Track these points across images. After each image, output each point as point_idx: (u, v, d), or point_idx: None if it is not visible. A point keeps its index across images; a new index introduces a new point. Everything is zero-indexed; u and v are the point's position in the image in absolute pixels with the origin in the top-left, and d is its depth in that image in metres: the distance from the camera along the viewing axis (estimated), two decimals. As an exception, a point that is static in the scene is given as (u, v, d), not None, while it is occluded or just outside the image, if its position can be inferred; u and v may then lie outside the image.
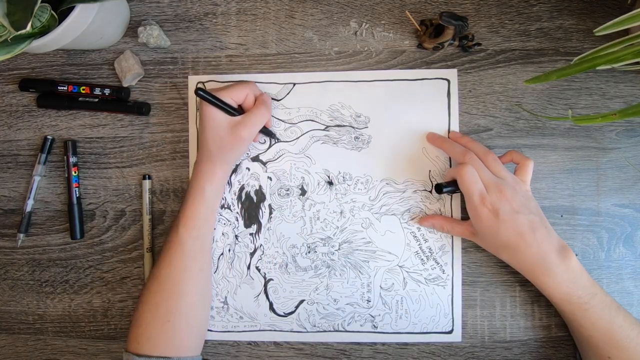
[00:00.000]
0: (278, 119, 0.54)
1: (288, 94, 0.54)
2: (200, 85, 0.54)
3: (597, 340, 0.45)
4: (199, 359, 0.50)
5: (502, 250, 0.48)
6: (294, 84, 0.54)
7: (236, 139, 0.48)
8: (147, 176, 0.54)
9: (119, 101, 0.54)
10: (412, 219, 0.53)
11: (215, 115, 0.47)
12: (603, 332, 0.45)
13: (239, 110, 0.49)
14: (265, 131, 0.52)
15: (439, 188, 0.49)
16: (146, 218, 0.54)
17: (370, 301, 0.53)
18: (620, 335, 0.45)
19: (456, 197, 0.53)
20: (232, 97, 0.48)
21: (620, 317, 0.45)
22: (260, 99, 0.50)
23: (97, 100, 0.54)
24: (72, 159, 0.54)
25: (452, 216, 0.53)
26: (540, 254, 0.45)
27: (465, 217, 0.52)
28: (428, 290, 0.53)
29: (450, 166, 0.53)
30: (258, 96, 0.51)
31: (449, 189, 0.49)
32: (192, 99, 0.54)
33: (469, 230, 0.49)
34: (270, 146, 0.54)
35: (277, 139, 0.54)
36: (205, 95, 0.46)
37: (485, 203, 0.46)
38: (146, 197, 0.54)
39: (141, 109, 0.53)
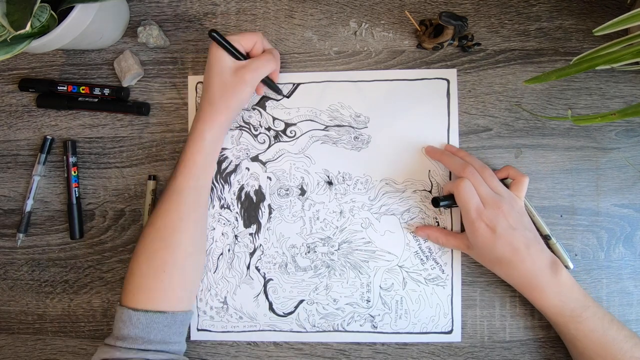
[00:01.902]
0: (277, 118, 0.54)
1: (288, 93, 0.54)
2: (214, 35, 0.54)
3: (591, 352, 0.46)
4: (191, 314, 0.50)
5: (496, 265, 0.48)
6: (294, 84, 0.54)
7: (239, 82, 0.48)
8: (152, 177, 0.54)
9: (119, 101, 0.54)
10: (408, 228, 0.53)
11: (222, 58, 0.47)
12: (597, 345, 0.45)
13: (246, 57, 0.49)
14: (270, 84, 0.52)
15: (435, 202, 0.50)
16: (147, 218, 0.54)
17: (369, 301, 0.53)
18: (614, 348, 0.45)
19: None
20: (241, 43, 0.48)
21: (614, 329, 0.45)
22: (269, 50, 0.51)
23: (96, 100, 0.54)
24: (72, 159, 0.54)
25: (451, 219, 0.53)
26: (533, 269, 0.46)
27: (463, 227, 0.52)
28: (428, 290, 0.53)
29: (450, 173, 0.53)
30: (267, 48, 0.51)
31: (445, 202, 0.49)
32: (192, 98, 0.54)
33: (464, 244, 0.50)
34: (270, 146, 0.54)
35: (283, 95, 0.54)
36: (218, 37, 0.46)
37: (483, 218, 0.46)
38: (148, 197, 0.54)
39: (141, 109, 0.53)
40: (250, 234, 0.54)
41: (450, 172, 0.53)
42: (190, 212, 0.49)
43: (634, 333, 0.46)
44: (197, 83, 0.54)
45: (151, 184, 0.54)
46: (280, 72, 0.54)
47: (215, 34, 0.46)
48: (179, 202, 0.48)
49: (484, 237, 0.46)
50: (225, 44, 0.47)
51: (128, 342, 0.45)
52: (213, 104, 0.48)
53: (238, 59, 0.48)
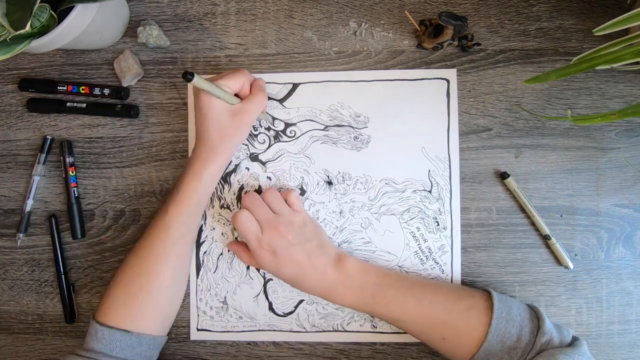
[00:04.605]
0: (277, 118, 0.54)
1: (288, 94, 0.54)
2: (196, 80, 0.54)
3: (421, 327, 0.46)
4: (162, 339, 0.50)
5: (294, 284, 0.49)
6: (294, 84, 0.54)
7: (239, 126, 0.48)
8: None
9: (109, 106, 0.54)
10: (408, 228, 0.53)
11: (215, 104, 0.47)
12: (418, 317, 0.45)
13: (236, 98, 0.49)
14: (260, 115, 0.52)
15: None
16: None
17: (369, 301, 0.53)
18: (437, 310, 0.45)
19: (457, 197, 0.53)
20: (229, 86, 0.47)
21: (430, 294, 0.46)
22: (257, 85, 0.50)
23: (84, 105, 0.54)
24: (69, 159, 0.54)
25: (452, 220, 0.53)
26: (318, 274, 0.47)
27: (465, 223, 0.52)
28: (427, 290, 0.53)
29: (450, 169, 0.53)
30: (253, 82, 0.51)
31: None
32: (192, 98, 0.54)
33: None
34: (270, 146, 0.54)
35: (273, 118, 0.54)
36: (204, 85, 0.43)
37: (262, 245, 0.47)
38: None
39: (129, 112, 0.53)
40: (250, 234, 0.54)
41: (449, 158, 0.53)
42: (175, 245, 0.49)
43: (448, 285, 0.48)
44: (197, 83, 0.54)
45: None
46: (281, 72, 0.54)
47: (198, 81, 0.41)
48: (166, 235, 0.48)
49: (269, 263, 0.48)
50: (213, 92, 0.45)
51: (92, 354, 0.45)
52: (213, 149, 0.48)
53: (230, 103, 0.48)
